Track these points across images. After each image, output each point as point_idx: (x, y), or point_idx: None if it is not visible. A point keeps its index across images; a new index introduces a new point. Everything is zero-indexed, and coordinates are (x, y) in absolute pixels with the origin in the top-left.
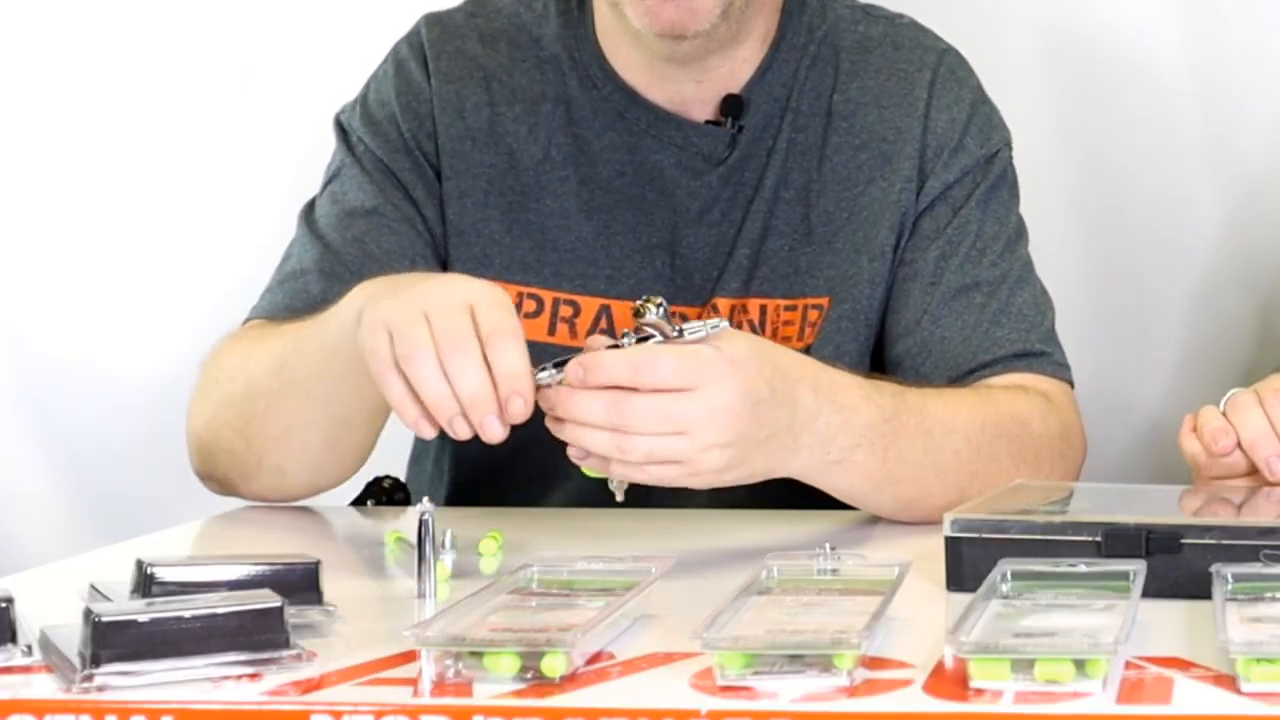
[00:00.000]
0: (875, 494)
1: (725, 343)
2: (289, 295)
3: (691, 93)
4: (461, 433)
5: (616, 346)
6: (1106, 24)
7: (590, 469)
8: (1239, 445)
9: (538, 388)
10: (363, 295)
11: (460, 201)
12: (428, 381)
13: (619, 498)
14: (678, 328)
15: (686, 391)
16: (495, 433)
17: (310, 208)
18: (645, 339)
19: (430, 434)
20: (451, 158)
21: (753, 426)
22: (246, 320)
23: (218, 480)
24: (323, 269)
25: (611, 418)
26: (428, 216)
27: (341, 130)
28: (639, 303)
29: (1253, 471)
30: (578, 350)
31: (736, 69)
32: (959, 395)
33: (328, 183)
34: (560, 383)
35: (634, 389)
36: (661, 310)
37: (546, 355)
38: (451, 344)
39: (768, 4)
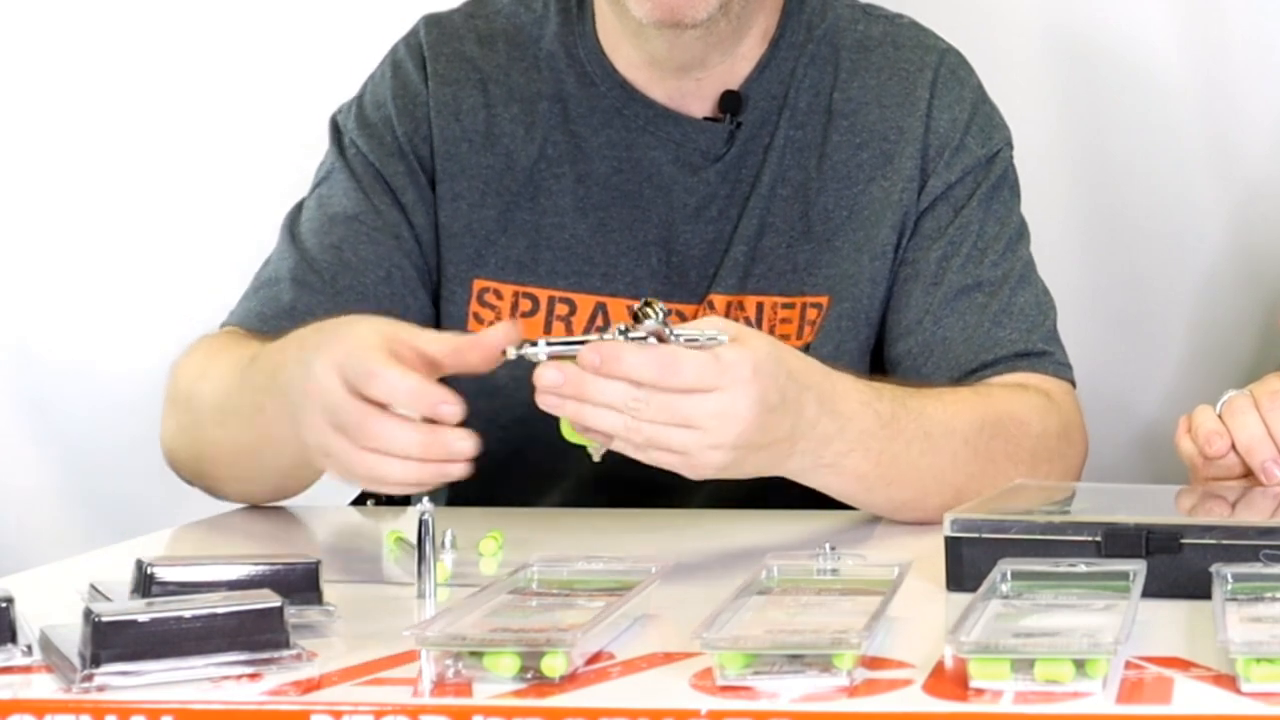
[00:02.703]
0: (868, 494)
1: (748, 345)
2: (261, 302)
3: (691, 89)
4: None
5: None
6: (1106, 24)
7: (572, 434)
8: (1234, 449)
9: (531, 363)
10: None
11: (454, 204)
12: (389, 443)
13: (596, 459)
14: (676, 334)
15: (704, 392)
16: (452, 413)
17: (297, 210)
18: (640, 338)
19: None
20: (446, 160)
21: (758, 433)
22: (223, 325)
23: (187, 480)
24: (296, 277)
25: (628, 405)
26: (415, 223)
27: (336, 131)
28: (639, 306)
29: (1249, 474)
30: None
31: (736, 66)
32: (959, 396)
33: (317, 185)
34: (550, 358)
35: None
36: (662, 316)
37: None
38: (357, 432)
39: (768, 2)
